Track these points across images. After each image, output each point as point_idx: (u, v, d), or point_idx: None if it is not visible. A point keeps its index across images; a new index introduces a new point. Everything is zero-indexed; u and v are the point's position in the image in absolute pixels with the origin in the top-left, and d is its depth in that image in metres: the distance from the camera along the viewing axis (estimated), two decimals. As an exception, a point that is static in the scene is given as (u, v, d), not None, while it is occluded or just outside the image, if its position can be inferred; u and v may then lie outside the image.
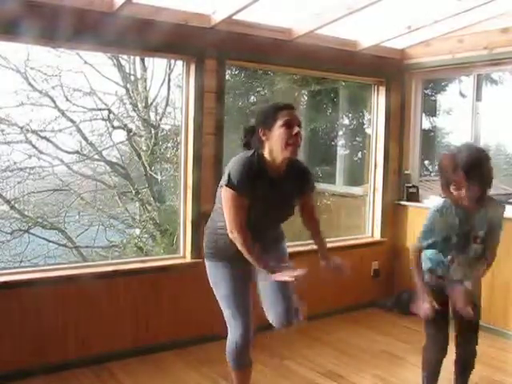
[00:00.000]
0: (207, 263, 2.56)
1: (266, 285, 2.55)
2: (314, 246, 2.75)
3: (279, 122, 2.29)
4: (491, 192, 2.47)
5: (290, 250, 4.39)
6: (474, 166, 2.32)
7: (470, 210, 2.44)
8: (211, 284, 2.55)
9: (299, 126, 2.32)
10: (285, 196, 2.44)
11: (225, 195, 2.34)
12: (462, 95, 6.18)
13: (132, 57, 6.85)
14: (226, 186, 2.31)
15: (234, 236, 2.33)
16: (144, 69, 7.13)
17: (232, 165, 2.35)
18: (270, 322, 2.58)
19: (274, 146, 2.32)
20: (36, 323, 3.20)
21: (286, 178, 2.42)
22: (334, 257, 2.63)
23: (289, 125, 2.29)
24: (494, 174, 2.39)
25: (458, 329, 2.69)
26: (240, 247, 2.34)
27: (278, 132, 2.29)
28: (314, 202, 2.70)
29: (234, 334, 2.49)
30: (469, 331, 2.66)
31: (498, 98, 6.22)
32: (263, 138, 2.34)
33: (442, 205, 2.49)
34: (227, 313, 2.50)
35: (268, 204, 2.37)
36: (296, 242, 4.69)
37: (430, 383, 2.76)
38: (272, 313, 2.56)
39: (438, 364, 2.71)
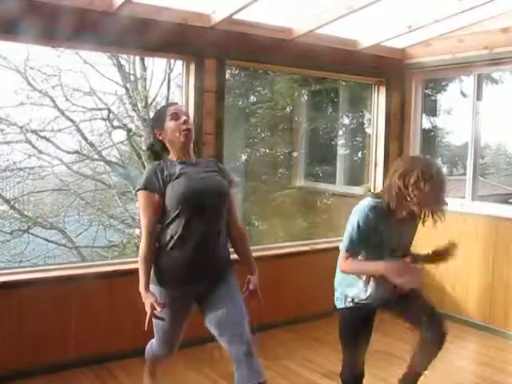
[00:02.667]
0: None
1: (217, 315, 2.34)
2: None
3: (168, 116, 2.38)
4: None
5: (290, 249, 4.42)
6: (442, 188, 2.19)
7: (400, 220, 2.24)
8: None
9: (187, 116, 2.42)
10: (208, 182, 2.36)
11: (139, 201, 2.33)
12: (464, 95, 6.18)
13: (132, 56, 6.85)
14: (136, 192, 2.36)
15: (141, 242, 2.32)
16: (144, 68, 7.13)
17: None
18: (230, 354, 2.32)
19: (171, 138, 2.38)
20: (36, 323, 3.19)
21: (201, 167, 2.41)
22: (254, 278, 2.53)
23: (176, 116, 2.38)
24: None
25: (415, 320, 2.56)
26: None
27: (169, 125, 2.37)
28: (235, 204, 2.48)
29: (154, 347, 2.63)
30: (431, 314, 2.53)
31: (498, 98, 6.22)
32: (160, 138, 2.41)
33: (374, 205, 2.24)
34: (155, 333, 2.54)
35: (194, 195, 2.28)
36: (296, 242, 4.69)
37: None
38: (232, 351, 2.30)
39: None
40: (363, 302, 2.40)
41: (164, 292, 2.34)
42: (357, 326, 2.45)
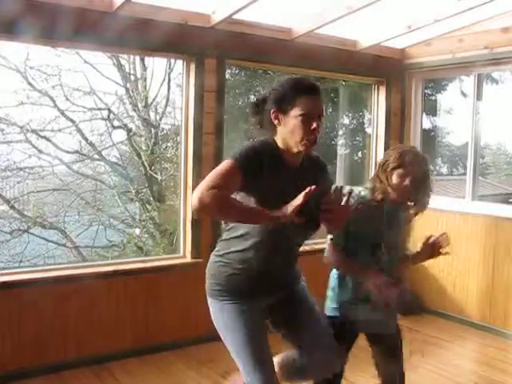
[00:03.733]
0: (212, 302, 2.02)
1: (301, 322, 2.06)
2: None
3: (297, 111, 1.83)
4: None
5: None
6: (425, 161, 2.20)
7: (391, 210, 2.20)
8: (219, 329, 2.03)
9: (320, 117, 1.86)
10: (295, 190, 1.78)
11: (221, 165, 1.82)
12: (464, 95, 6.18)
13: (132, 56, 6.84)
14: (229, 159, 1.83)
15: (200, 195, 1.70)
16: (144, 68, 7.12)
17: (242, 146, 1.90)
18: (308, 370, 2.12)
19: (286, 135, 1.87)
20: (36, 323, 3.20)
21: (303, 171, 1.94)
22: None
23: (308, 117, 1.82)
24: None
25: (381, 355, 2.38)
26: (212, 209, 1.74)
27: (293, 122, 1.84)
28: None
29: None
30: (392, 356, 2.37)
31: (498, 98, 6.22)
32: (275, 122, 1.88)
33: (363, 195, 2.17)
34: (243, 366, 2.01)
35: (281, 202, 1.75)
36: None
37: None
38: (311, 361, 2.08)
39: None
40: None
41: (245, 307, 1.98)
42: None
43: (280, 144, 1.91)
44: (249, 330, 1.98)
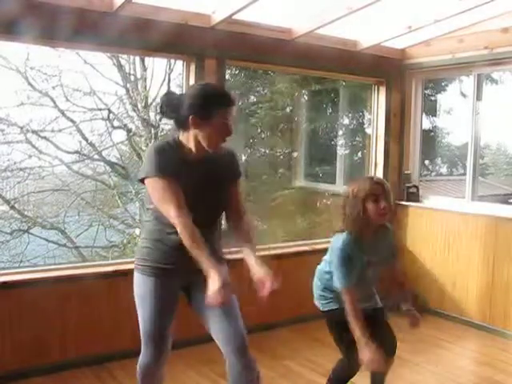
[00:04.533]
0: (135, 274, 2.28)
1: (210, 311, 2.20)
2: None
3: (218, 120, 2.04)
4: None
5: (290, 249, 4.42)
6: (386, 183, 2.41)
7: (369, 237, 2.39)
8: (135, 297, 2.31)
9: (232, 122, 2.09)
10: (209, 178, 2.11)
11: (151, 187, 2.05)
12: (463, 95, 6.19)
13: (132, 56, 6.85)
14: (147, 178, 2.05)
15: (175, 223, 1.99)
16: (144, 68, 7.13)
17: (146, 156, 2.12)
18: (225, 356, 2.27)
19: (202, 138, 2.06)
20: (36, 323, 3.19)
21: (208, 160, 2.12)
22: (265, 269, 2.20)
23: (226, 125, 2.06)
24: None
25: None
26: (182, 237, 1.98)
27: (212, 129, 2.04)
28: (240, 195, 2.27)
29: (144, 356, 2.32)
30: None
31: (498, 98, 6.22)
32: (192, 126, 2.05)
33: (346, 242, 2.35)
34: (142, 335, 2.31)
35: (192, 189, 2.04)
36: (296, 242, 4.69)
37: None
38: (228, 350, 2.26)
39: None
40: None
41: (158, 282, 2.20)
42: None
43: (187, 141, 2.10)
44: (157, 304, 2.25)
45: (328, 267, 2.46)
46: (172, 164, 2.04)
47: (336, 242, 2.39)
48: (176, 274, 2.20)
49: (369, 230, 2.38)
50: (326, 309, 2.55)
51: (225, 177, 2.20)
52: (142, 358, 2.34)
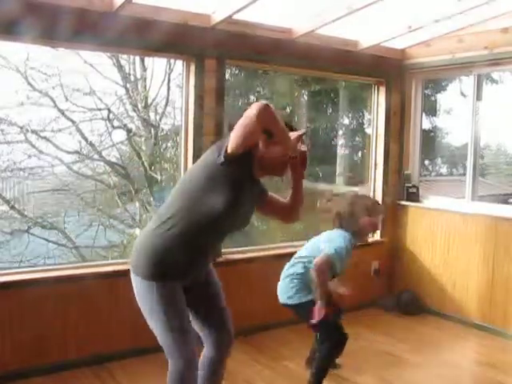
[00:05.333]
0: (145, 283, 2.21)
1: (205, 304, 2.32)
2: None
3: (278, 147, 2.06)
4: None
5: (290, 249, 4.41)
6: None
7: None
8: (145, 308, 2.28)
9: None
10: (252, 200, 2.19)
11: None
12: (463, 95, 6.18)
13: (132, 57, 6.84)
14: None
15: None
16: (144, 69, 7.12)
17: None
18: (209, 348, 2.35)
19: (263, 163, 2.12)
20: (36, 323, 3.20)
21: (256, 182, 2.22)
22: None
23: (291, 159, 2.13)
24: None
25: None
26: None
27: (274, 154, 2.08)
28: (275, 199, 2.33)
29: (177, 364, 2.24)
30: None
31: (498, 98, 6.22)
32: (260, 144, 2.08)
33: (349, 238, 2.97)
34: (169, 340, 2.24)
35: (239, 204, 2.06)
36: (296, 242, 4.67)
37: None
38: (215, 340, 2.33)
39: None
40: None
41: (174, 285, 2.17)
42: None
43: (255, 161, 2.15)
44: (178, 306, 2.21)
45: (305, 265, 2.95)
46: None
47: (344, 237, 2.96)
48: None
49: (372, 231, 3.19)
50: (307, 299, 2.91)
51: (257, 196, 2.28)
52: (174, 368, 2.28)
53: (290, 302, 2.97)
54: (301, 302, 2.93)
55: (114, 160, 7.21)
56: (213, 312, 2.34)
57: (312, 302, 2.84)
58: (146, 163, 7.00)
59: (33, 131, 6.47)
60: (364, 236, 3.08)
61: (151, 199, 7.13)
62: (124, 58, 6.97)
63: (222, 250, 3.85)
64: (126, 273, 3.49)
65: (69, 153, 6.80)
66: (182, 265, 2.14)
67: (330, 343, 2.95)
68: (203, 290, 2.31)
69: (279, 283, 3.06)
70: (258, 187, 2.23)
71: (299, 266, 2.98)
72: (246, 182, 2.09)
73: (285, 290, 3.00)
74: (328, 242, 2.93)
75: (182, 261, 2.12)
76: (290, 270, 3.03)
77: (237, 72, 7.21)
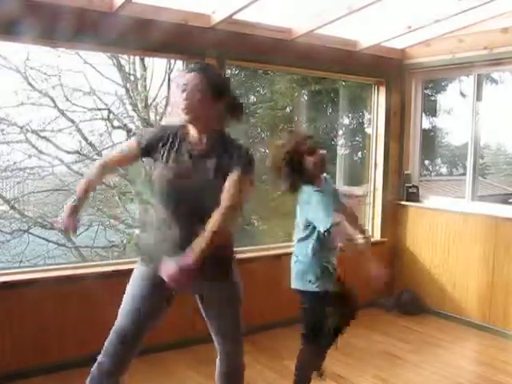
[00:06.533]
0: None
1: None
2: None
3: (172, 87, 2.20)
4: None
5: (290, 249, 4.41)
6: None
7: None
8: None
9: (184, 87, 2.05)
10: (201, 171, 2.08)
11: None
12: (463, 95, 6.18)
13: (132, 56, 6.84)
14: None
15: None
16: (144, 68, 7.12)
17: None
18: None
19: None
20: (36, 323, 3.20)
21: (209, 151, 2.11)
22: None
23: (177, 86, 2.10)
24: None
25: None
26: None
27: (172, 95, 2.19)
28: (235, 184, 2.04)
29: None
30: None
31: (498, 98, 6.22)
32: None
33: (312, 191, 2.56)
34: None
35: (177, 173, 2.07)
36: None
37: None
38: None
39: None
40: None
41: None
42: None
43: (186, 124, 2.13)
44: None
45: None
46: (158, 135, 2.14)
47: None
48: None
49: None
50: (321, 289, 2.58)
51: (217, 167, 2.12)
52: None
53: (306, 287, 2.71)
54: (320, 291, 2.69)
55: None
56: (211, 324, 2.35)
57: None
58: (145, 162, 6.99)
59: (33, 131, 6.47)
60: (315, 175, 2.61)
61: (151, 199, 7.13)
62: (124, 58, 6.96)
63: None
64: (126, 273, 3.50)
65: (69, 153, 6.80)
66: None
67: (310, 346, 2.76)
68: (208, 305, 2.31)
69: None
70: (213, 162, 2.09)
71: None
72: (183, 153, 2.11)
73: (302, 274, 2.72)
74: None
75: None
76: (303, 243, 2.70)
77: (237, 72, 7.21)
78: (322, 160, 2.61)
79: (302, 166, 2.53)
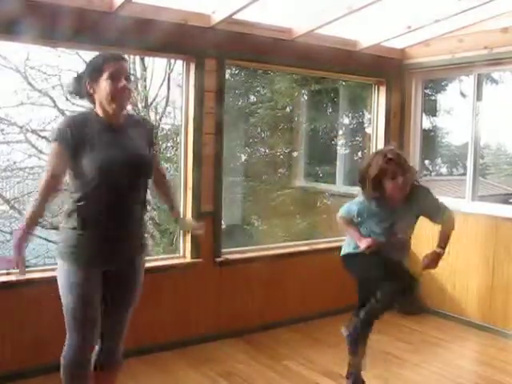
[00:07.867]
0: (59, 263, 2.26)
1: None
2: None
3: (105, 75, 2.14)
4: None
5: (290, 249, 4.42)
6: (400, 156, 2.77)
7: (393, 205, 2.82)
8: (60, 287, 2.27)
9: (127, 78, 2.20)
10: (129, 148, 2.19)
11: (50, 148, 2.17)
12: (463, 95, 6.18)
13: (132, 56, 6.84)
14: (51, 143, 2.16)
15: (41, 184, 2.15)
16: (144, 68, 7.13)
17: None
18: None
19: (102, 100, 2.16)
20: (36, 323, 3.19)
21: (125, 131, 2.23)
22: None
23: (115, 77, 2.14)
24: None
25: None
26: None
27: (103, 85, 2.14)
28: (159, 160, 2.43)
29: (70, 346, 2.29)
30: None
31: (498, 98, 6.22)
32: (91, 91, 2.19)
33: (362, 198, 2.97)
34: (69, 323, 2.27)
35: (109, 156, 2.12)
36: (296, 242, 4.68)
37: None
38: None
39: None
40: None
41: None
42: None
43: (99, 110, 2.19)
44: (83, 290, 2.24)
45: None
46: (75, 129, 2.12)
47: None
48: None
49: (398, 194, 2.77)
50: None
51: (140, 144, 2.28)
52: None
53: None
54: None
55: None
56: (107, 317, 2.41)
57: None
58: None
59: (33, 131, 6.48)
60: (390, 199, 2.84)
61: (151, 199, 7.12)
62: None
63: (222, 250, 3.86)
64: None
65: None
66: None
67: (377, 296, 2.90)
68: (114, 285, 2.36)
69: None
70: (131, 136, 2.23)
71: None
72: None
73: None
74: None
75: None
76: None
77: (237, 72, 7.21)
78: (401, 188, 2.77)
79: (381, 188, 2.80)
